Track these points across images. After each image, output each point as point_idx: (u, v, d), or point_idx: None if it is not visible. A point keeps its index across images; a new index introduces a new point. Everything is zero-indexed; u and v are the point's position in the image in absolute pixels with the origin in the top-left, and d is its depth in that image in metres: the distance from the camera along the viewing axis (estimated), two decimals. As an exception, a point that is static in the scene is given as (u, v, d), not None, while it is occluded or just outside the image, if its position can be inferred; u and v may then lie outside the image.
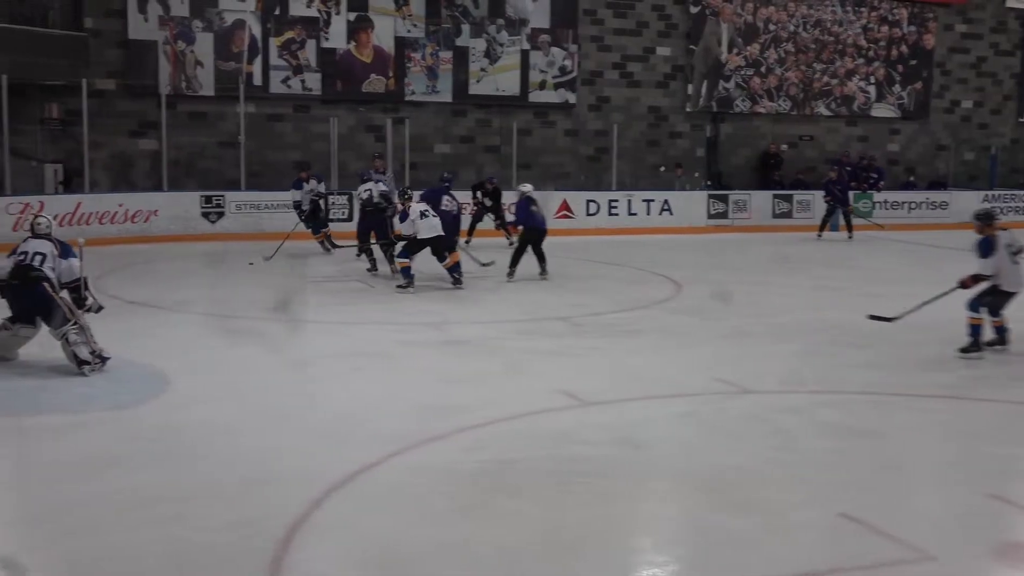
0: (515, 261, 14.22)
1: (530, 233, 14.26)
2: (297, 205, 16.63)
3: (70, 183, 18.59)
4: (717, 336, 10.86)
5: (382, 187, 15.33)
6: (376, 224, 14.87)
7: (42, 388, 8.26)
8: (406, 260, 13.26)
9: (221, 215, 18.70)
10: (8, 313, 8.81)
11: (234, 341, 10.22)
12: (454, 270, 13.50)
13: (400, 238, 13.51)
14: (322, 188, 17.01)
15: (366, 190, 15.16)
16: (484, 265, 14.76)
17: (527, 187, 14.74)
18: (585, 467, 6.55)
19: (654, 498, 6.21)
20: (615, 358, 9.86)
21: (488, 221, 18.40)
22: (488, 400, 8.07)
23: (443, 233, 13.44)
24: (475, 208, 18.43)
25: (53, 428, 7.32)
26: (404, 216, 13.37)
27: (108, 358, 8.68)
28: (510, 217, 17.53)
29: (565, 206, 20.36)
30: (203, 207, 18.67)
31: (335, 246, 16.68)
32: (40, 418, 7.57)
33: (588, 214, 20.88)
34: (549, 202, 18.10)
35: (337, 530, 5.57)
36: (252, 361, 9.30)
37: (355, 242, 15.63)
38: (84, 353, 8.50)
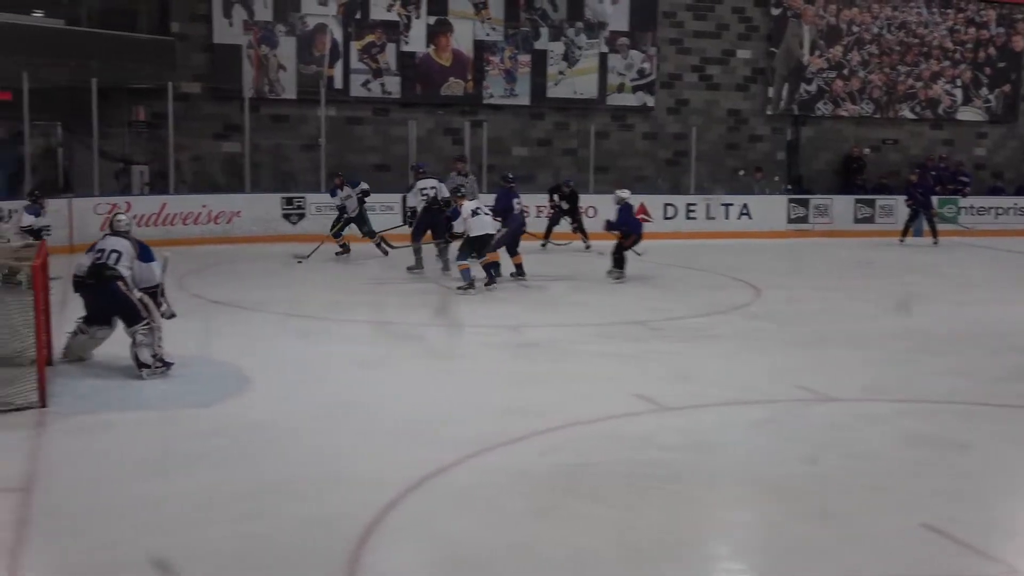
0: (622, 262, 14.34)
1: (632, 239, 14.43)
2: (341, 210, 16.38)
3: (155, 184, 18.97)
4: (797, 342, 10.72)
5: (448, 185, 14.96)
6: (435, 223, 14.73)
7: (120, 386, 8.37)
8: (466, 262, 13.26)
9: (302, 217, 18.90)
10: (82, 312, 8.85)
11: (312, 341, 10.34)
12: (491, 267, 13.44)
13: (454, 237, 13.53)
14: (365, 186, 16.26)
15: (432, 187, 14.94)
16: (559, 245, 17.08)
17: (625, 193, 14.74)
18: (661, 472, 6.49)
19: (730, 504, 6.13)
20: (693, 363, 9.76)
21: (565, 224, 18.39)
22: (564, 403, 8.04)
23: (493, 232, 13.47)
24: (552, 211, 18.43)
25: (131, 425, 7.44)
26: (456, 214, 13.43)
27: (171, 364, 8.63)
28: (586, 220, 17.82)
29: (643, 209, 20.23)
30: (284, 209, 18.90)
31: (391, 246, 16.31)
32: (118, 415, 7.68)
33: (666, 217, 20.74)
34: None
35: (412, 531, 5.59)
36: (329, 361, 9.41)
37: (408, 243, 15.28)
38: (145, 356, 8.48)
